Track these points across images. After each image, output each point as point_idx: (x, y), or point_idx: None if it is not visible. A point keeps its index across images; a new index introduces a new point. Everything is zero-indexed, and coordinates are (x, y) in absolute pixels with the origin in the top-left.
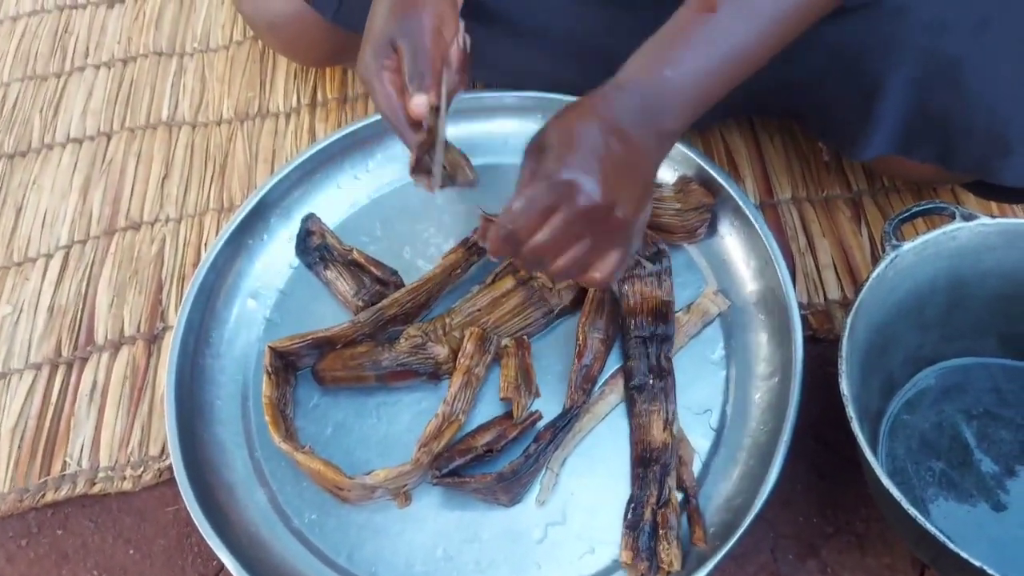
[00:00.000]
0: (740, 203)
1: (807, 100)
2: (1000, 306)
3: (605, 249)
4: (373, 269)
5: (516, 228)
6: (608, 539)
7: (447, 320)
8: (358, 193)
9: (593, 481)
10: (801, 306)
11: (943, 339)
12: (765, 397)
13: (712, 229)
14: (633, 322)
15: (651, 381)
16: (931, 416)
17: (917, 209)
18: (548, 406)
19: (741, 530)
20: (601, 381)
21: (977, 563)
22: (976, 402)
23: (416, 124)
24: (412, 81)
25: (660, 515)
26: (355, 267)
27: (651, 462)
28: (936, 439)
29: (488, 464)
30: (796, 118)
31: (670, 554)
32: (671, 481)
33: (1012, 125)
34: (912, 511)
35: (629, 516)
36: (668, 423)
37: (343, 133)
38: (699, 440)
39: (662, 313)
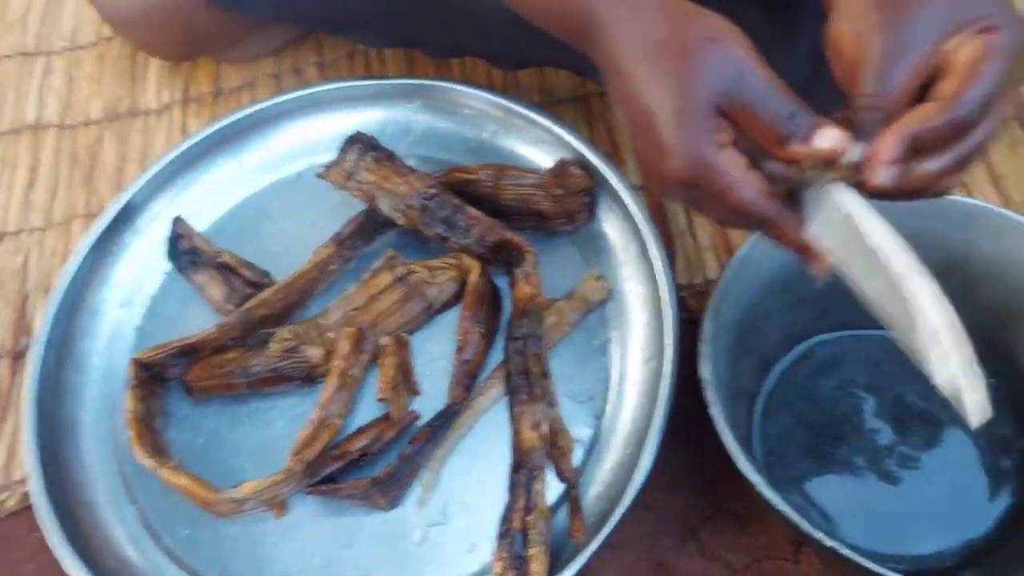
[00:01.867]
0: (616, 185)
1: None
2: None
3: None
4: (243, 271)
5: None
6: (490, 535)
7: (321, 321)
8: (233, 191)
9: (475, 478)
10: (681, 287)
11: (817, 315)
12: (643, 382)
13: (592, 213)
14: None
15: (521, 382)
16: (806, 392)
17: None
18: (433, 403)
19: (614, 520)
20: (484, 375)
21: (847, 552)
22: (851, 375)
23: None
24: (793, 124)
25: (528, 522)
26: (225, 270)
27: (521, 467)
28: (812, 415)
29: (365, 468)
30: None
31: (538, 561)
32: (539, 486)
33: None
34: (768, 492)
35: (501, 526)
36: (536, 425)
37: (213, 129)
38: (582, 429)
39: (528, 311)
